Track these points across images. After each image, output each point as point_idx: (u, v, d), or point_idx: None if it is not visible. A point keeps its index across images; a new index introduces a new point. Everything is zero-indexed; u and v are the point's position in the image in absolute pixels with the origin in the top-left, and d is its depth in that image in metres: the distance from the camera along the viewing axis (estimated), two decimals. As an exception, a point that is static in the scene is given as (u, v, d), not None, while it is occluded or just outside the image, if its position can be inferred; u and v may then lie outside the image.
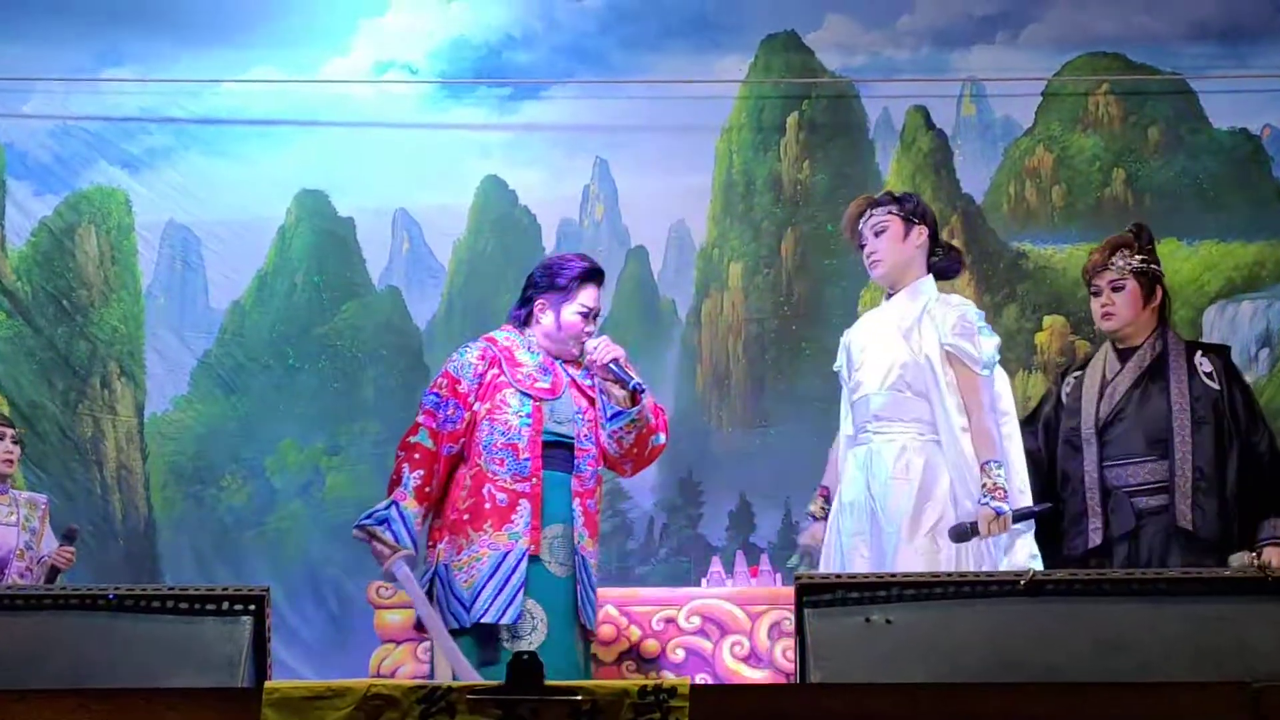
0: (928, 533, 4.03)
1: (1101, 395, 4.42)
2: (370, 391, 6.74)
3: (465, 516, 4.09)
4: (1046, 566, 4.18)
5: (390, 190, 6.82)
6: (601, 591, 5.56)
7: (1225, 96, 6.79)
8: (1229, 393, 4.42)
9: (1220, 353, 4.54)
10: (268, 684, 2.72)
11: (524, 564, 4.05)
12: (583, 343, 4.24)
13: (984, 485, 4.03)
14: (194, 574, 6.48)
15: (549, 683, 2.65)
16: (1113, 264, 4.46)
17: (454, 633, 4.03)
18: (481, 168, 6.86)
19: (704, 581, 5.69)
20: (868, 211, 4.32)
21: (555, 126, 6.84)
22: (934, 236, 4.34)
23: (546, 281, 4.26)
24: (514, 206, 6.87)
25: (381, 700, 2.64)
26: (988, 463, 4.06)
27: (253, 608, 3.05)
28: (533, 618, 4.08)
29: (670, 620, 5.24)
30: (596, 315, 4.28)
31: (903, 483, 4.06)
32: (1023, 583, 2.99)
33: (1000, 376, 4.23)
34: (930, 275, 4.29)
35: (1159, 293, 4.50)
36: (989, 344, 4.18)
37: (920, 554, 3.97)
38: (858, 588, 2.99)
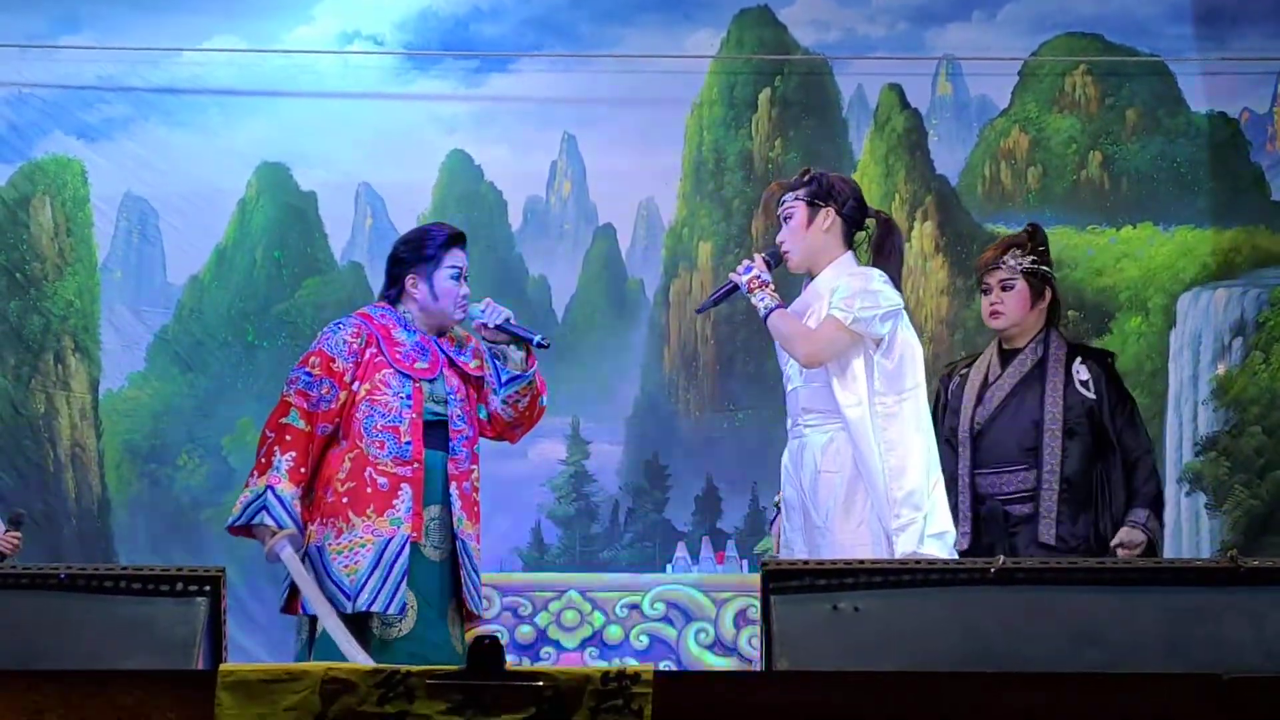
0: (859, 524, 3.95)
1: (980, 398, 4.49)
2: (331, 369, 6.65)
3: (344, 500, 4.01)
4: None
5: (353, 164, 6.72)
6: (565, 576, 5.53)
7: (1204, 79, 6.76)
8: (1108, 402, 4.48)
9: (1100, 359, 4.58)
10: (223, 666, 2.70)
11: (406, 551, 3.99)
12: (463, 306, 4.18)
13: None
14: (149, 554, 6.39)
15: (510, 668, 2.63)
16: (1004, 262, 4.54)
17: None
18: (447, 142, 6.78)
19: (669, 567, 5.65)
20: (780, 197, 4.21)
21: (523, 100, 6.76)
22: (856, 212, 4.16)
23: (413, 255, 4.19)
24: (479, 182, 6.80)
25: (339, 684, 2.62)
26: (777, 308, 4.09)
27: (208, 589, 3.03)
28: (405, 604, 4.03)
29: (634, 606, 5.22)
30: (466, 276, 4.22)
31: (832, 475, 3.98)
32: (993, 570, 2.95)
33: (906, 349, 4.05)
34: (850, 253, 4.14)
35: (1048, 294, 4.56)
36: (871, 304, 4.00)
37: (850, 546, 3.91)
38: (825, 575, 2.97)
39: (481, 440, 4.33)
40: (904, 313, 4.07)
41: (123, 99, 6.72)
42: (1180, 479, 6.60)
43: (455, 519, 4.10)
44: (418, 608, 4.02)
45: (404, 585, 3.97)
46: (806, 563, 3.08)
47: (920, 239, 6.67)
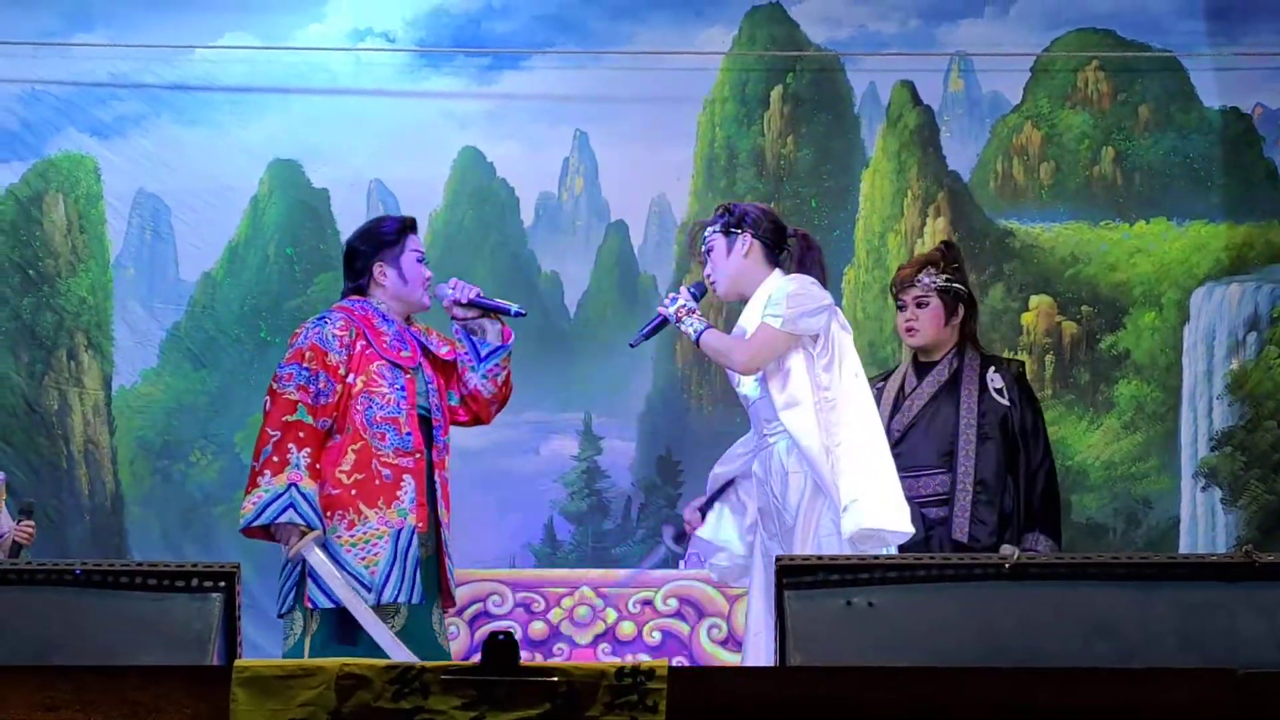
0: (821, 517, 4.06)
1: (897, 407, 4.67)
2: (343, 366, 6.65)
3: (353, 492, 4.02)
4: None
5: (365, 161, 6.73)
6: (578, 572, 5.53)
7: (1216, 75, 6.74)
8: (1019, 409, 4.67)
9: (1013, 368, 4.77)
10: (238, 662, 2.70)
11: (415, 541, 4.01)
12: (427, 288, 4.22)
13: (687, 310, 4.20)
14: (162, 551, 6.40)
15: (524, 663, 2.63)
16: (919, 280, 4.70)
17: (324, 612, 3.96)
18: (459, 139, 6.78)
19: (682, 564, 5.64)
20: (701, 235, 4.40)
21: (535, 97, 6.76)
22: (773, 234, 4.33)
23: (372, 245, 4.21)
24: (492, 179, 6.81)
25: (354, 679, 2.62)
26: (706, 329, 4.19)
27: (223, 585, 3.03)
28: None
29: (647, 602, 5.22)
30: (425, 260, 4.26)
31: (798, 474, 4.11)
32: (1007, 565, 2.94)
33: (841, 341, 4.19)
34: (776, 270, 4.30)
35: (961, 310, 4.72)
36: (799, 304, 4.13)
37: (821, 539, 4.03)
38: (839, 569, 2.96)
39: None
40: (836, 309, 4.24)
41: (136, 96, 6.73)
42: (1196, 474, 6.59)
43: (440, 510, 4.12)
44: (409, 605, 4.04)
45: (419, 575, 3.99)
46: (820, 558, 3.09)
47: (933, 235, 6.66)
